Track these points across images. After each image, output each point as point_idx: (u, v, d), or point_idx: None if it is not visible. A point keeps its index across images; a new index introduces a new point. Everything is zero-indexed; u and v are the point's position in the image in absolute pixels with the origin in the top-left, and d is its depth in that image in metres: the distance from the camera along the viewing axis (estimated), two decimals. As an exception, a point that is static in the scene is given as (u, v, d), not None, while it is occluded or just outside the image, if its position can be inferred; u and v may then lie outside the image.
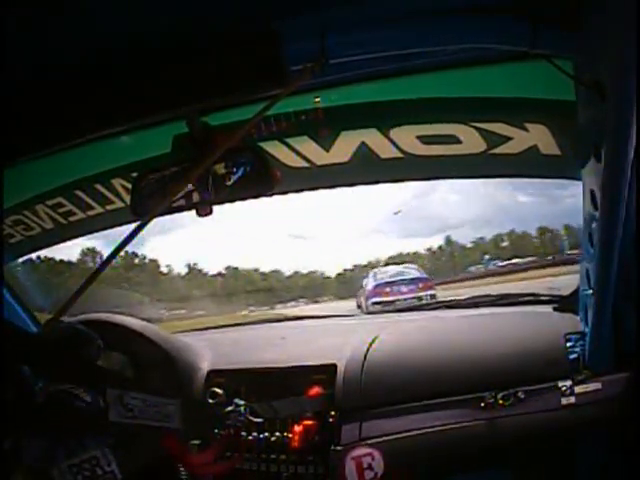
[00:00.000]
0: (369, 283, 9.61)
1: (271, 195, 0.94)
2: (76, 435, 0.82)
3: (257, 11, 0.73)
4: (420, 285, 8.75)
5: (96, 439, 0.84)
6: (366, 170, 1.28)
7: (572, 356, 1.09)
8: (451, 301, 1.59)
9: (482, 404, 1.07)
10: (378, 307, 8.23)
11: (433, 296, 8.29)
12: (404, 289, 8.67)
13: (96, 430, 0.85)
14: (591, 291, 1.00)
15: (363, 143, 1.21)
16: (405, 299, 8.21)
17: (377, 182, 1.38)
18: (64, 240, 1.61)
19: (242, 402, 1.19)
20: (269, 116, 1.14)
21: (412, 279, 9.00)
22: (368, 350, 1.20)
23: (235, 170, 0.86)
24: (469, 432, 1.06)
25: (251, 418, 1.17)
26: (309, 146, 1.24)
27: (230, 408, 1.19)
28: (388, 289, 8.81)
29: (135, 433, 0.90)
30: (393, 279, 9.18)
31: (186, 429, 1.02)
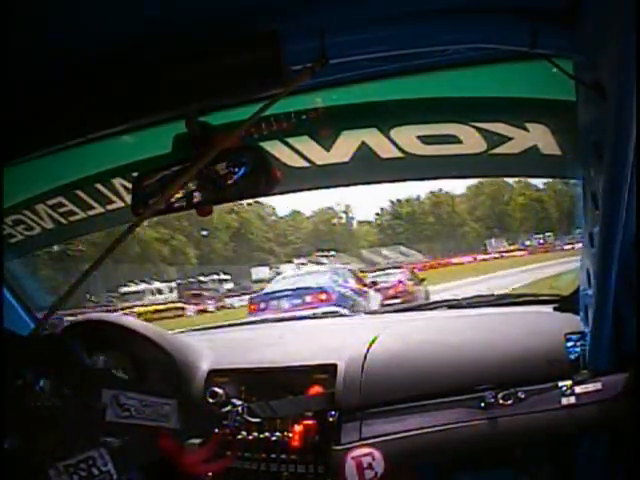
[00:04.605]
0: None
1: (271, 195, 0.94)
2: (73, 435, 0.82)
3: (257, 11, 0.73)
4: (307, 299, 7.18)
5: (93, 439, 0.83)
6: (366, 170, 1.28)
7: (572, 356, 1.09)
8: (451, 301, 1.59)
9: (482, 404, 1.07)
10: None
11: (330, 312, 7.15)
12: (285, 305, 7.23)
13: (93, 430, 0.85)
14: (591, 291, 1.00)
15: (363, 143, 1.21)
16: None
17: (377, 182, 1.38)
18: (64, 240, 1.62)
19: (239, 402, 1.19)
20: (269, 116, 1.14)
21: (298, 290, 7.41)
22: (368, 350, 1.20)
23: (236, 170, 0.86)
24: (469, 432, 1.06)
25: (248, 418, 1.17)
26: (309, 146, 1.24)
27: (227, 408, 1.19)
28: (264, 305, 7.56)
29: (132, 433, 0.90)
30: (274, 290, 7.90)
31: (185, 429, 1.02)
